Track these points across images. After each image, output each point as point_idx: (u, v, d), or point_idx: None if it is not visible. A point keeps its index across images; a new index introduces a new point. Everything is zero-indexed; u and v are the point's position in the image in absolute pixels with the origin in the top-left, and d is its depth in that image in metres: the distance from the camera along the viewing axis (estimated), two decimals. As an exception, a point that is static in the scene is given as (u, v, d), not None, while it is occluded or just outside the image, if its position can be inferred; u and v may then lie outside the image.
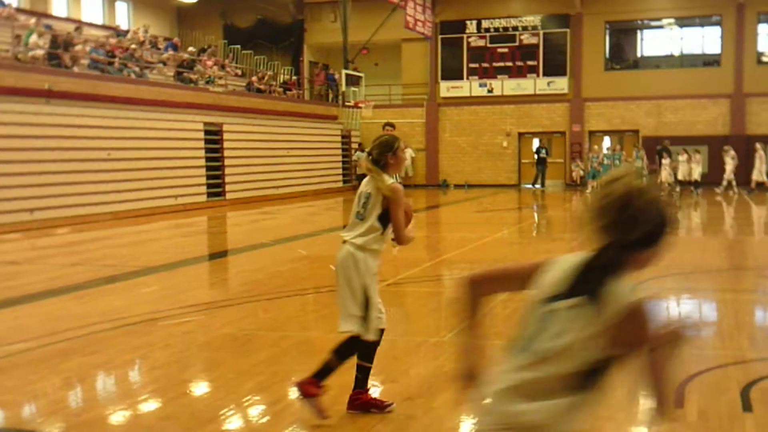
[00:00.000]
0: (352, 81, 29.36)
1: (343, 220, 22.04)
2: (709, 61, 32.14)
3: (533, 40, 32.60)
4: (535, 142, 32.42)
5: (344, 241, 5.04)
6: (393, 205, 4.92)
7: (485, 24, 33.14)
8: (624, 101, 31.28)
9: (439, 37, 33.46)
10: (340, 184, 31.51)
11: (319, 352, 6.56)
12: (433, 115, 33.65)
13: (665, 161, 26.74)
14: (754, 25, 30.81)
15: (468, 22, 33.33)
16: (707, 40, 33.12)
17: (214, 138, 24.50)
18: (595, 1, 31.56)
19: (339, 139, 32.28)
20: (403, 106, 33.74)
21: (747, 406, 5.12)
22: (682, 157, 26.84)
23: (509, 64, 32.80)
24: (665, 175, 26.48)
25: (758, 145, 26.69)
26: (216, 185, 24.52)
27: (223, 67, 28.36)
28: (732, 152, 26.39)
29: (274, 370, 6.17)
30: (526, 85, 32.57)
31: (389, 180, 4.99)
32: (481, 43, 33.22)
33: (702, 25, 33.31)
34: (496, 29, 33.05)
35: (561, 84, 32.31)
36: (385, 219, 4.95)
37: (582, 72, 32.07)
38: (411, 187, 29.49)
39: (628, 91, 31.23)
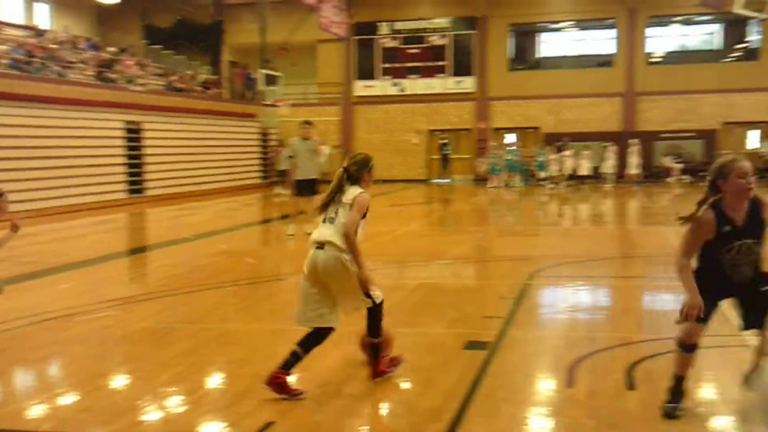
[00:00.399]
0: (270, 80, 30.22)
1: (261, 215, 23.05)
2: (603, 62, 34.15)
3: (442, 42, 34.13)
4: (446, 139, 34.04)
5: (321, 245, 5.31)
6: (353, 208, 5.34)
7: (397, 26, 34.51)
8: (526, 100, 33.06)
9: (354, 38, 34.69)
10: (258, 181, 32.41)
11: (238, 343, 7.05)
12: (348, 114, 34.90)
13: (553, 156, 28.36)
14: (644, 28, 33.01)
15: (381, 24, 34.67)
16: (602, 42, 35.25)
17: (134, 136, 25.10)
18: (500, 5, 33.24)
19: (257, 136, 33.10)
20: (319, 105, 34.81)
21: (631, 385, 5.48)
22: (568, 152, 28.54)
23: (420, 64, 34.26)
24: (554, 168, 28.14)
25: (633, 141, 28.33)
26: (136, 182, 25.18)
27: (143, 66, 28.86)
28: (613, 148, 28.24)
29: (192, 361, 6.23)
30: (436, 85, 34.09)
31: (358, 191, 5.43)
32: (394, 44, 34.60)
33: (597, 27, 35.43)
34: (408, 31, 34.46)
35: (468, 83, 33.92)
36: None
37: (488, 72, 33.76)
38: (328, 183, 30.51)
39: (530, 90, 33.03)
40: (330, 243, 5.29)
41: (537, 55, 37.49)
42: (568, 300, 9.02)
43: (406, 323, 7.63)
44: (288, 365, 5.26)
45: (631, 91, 32.58)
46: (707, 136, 31.79)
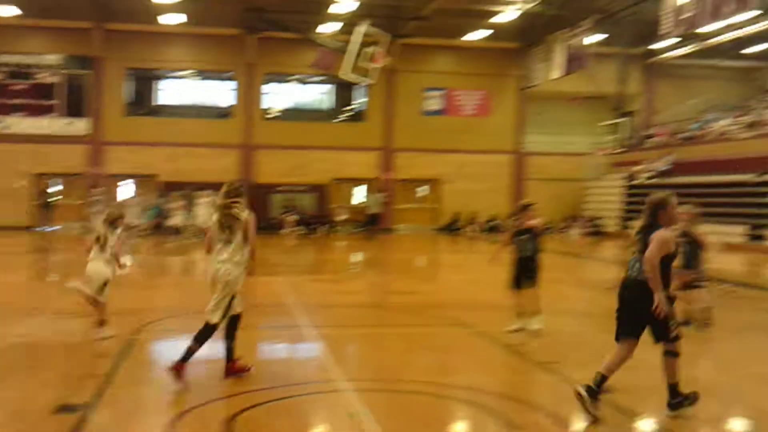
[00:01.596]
0: None
1: None
2: (223, 113, 34.77)
3: (53, 80, 32.06)
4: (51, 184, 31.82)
5: (221, 261, 6.96)
6: (250, 228, 6.98)
7: (2, 59, 31.71)
8: (143, 146, 32.18)
9: (-53, 67, 31.19)
10: None
11: None
12: (-61, 151, 31.05)
13: (174, 205, 27.92)
14: (261, 83, 34.27)
15: (-19, 55, 31.63)
16: (222, 93, 35.88)
17: None
18: (116, 47, 32.13)
19: None
20: None
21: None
22: (175, 204, 28.25)
23: (27, 101, 31.73)
24: (180, 219, 27.69)
25: (201, 193, 28.08)
26: None
27: None
28: (201, 200, 28.22)
29: None
30: (45, 125, 31.79)
31: (245, 212, 6.97)
32: (-4, 77, 31.72)
33: (217, 79, 36.02)
34: (13, 65, 31.79)
35: (81, 126, 32.18)
36: (245, 239, 6.98)
37: (103, 115, 32.34)
38: None
39: (148, 137, 32.27)
40: (228, 260, 6.94)
41: (156, 102, 36.91)
42: (173, 354, 8.73)
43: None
44: (230, 354, 7.12)
45: (249, 143, 33.45)
46: (319, 190, 33.82)
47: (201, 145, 32.71)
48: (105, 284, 8.89)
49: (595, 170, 35.29)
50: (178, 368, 6.84)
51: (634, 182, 31.99)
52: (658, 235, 5.88)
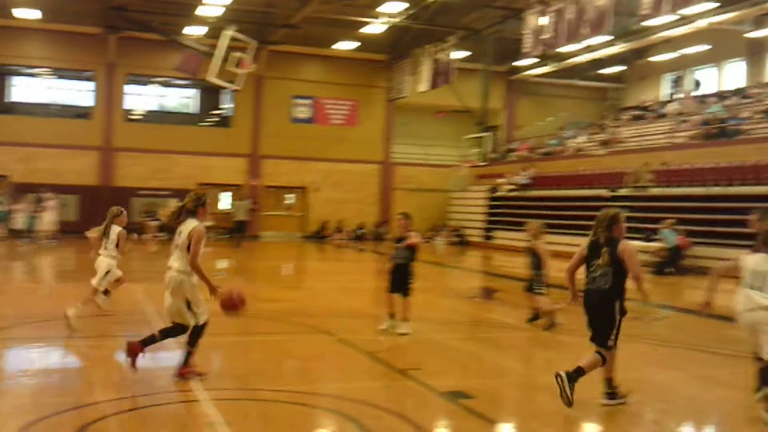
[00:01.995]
0: None
1: None
2: (81, 114, 33.33)
3: None
4: None
5: (168, 267, 7.03)
6: (194, 239, 6.87)
7: None
8: (-7, 145, 30.52)
9: None
10: None
11: None
12: None
13: (19, 207, 26.61)
14: (123, 84, 33.05)
15: None
16: (80, 93, 34.41)
17: None
18: (-35, 40, 30.35)
19: None
20: None
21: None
22: (19, 206, 26.88)
23: None
24: (22, 222, 26.32)
25: (49, 195, 26.90)
26: None
27: None
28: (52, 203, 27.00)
29: None
30: None
31: (195, 223, 6.99)
32: None
33: (76, 78, 34.53)
34: None
35: (-77, 122, 30.15)
36: (187, 248, 6.96)
37: (-52, 111, 30.41)
38: None
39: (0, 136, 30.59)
40: (173, 267, 6.96)
41: (8, 99, 34.95)
42: (18, 364, 8.39)
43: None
44: (187, 360, 7.09)
45: (109, 146, 32.23)
46: (183, 195, 32.67)
47: (57, 146, 31.22)
48: (107, 272, 10.08)
49: (459, 182, 36.13)
50: (183, 372, 7.10)
51: (497, 194, 32.98)
52: (630, 250, 6.56)
